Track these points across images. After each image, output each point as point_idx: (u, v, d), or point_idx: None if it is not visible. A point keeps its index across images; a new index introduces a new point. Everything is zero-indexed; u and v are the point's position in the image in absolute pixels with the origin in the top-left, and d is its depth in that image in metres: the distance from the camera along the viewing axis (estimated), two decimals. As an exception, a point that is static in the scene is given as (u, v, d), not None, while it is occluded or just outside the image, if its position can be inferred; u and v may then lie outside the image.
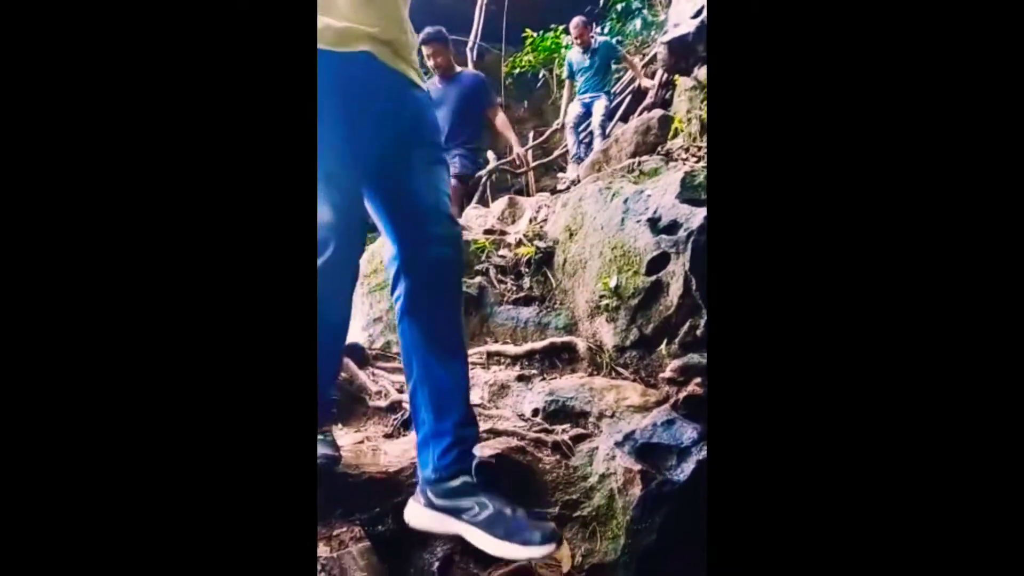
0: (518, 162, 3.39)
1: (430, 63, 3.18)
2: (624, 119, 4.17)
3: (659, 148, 2.62)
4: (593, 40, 3.72)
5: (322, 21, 0.96)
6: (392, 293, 1.09)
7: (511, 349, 1.89)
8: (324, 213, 0.93)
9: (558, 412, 1.53)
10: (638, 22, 4.72)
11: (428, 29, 3.14)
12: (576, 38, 3.69)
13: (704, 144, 2.32)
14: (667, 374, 1.64)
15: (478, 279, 2.14)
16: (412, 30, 1.12)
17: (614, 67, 3.89)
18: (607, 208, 1.94)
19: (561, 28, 4.91)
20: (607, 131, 3.61)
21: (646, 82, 3.93)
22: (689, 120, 2.73)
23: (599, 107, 3.59)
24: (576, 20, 3.73)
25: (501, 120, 3.21)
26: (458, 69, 3.29)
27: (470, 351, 2.11)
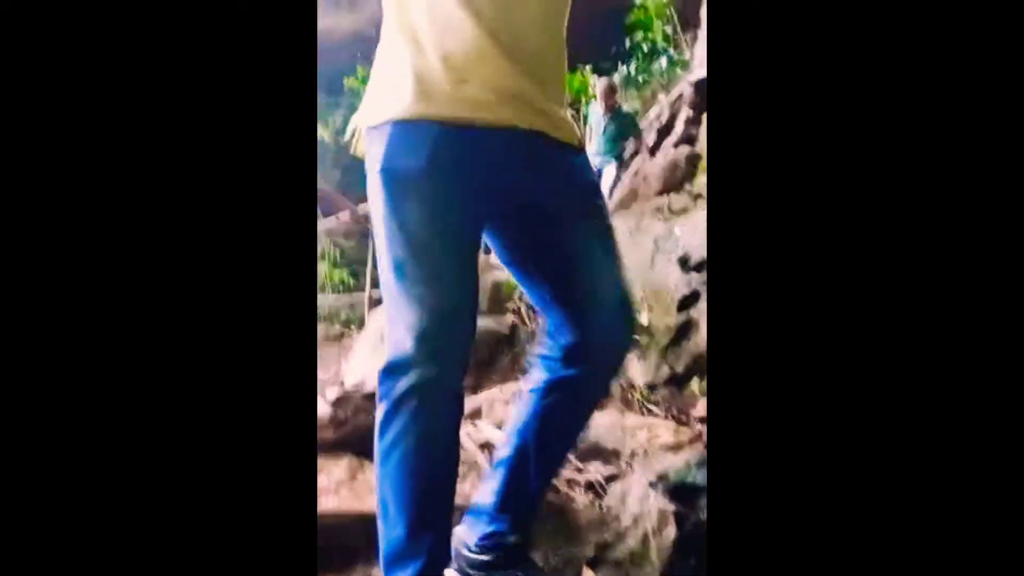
0: None
1: None
2: (652, 153, 4.24)
3: (687, 184, 2.65)
4: (617, 104, 3.80)
5: (440, 89, 0.79)
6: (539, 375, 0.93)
7: (543, 386, 1.92)
8: (421, 318, 0.76)
9: (590, 451, 1.54)
10: (664, 60, 4.82)
11: None
12: (601, 100, 3.78)
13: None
14: (699, 412, 1.63)
15: (510, 318, 2.18)
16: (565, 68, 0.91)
17: (627, 139, 3.94)
18: (637, 247, 1.98)
19: (589, 67, 5.04)
20: (612, 194, 3.65)
21: (648, 160, 3.95)
22: (716, 156, 2.77)
23: (609, 172, 3.66)
24: (603, 84, 3.83)
25: None
26: None
27: (502, 387, 2.14)
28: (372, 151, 0.82)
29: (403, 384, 0.77)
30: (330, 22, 4.83)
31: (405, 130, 0.79)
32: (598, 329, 0.86)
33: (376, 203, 0.82)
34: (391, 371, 0.79)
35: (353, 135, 0.90)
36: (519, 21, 0.81)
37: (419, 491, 0.80)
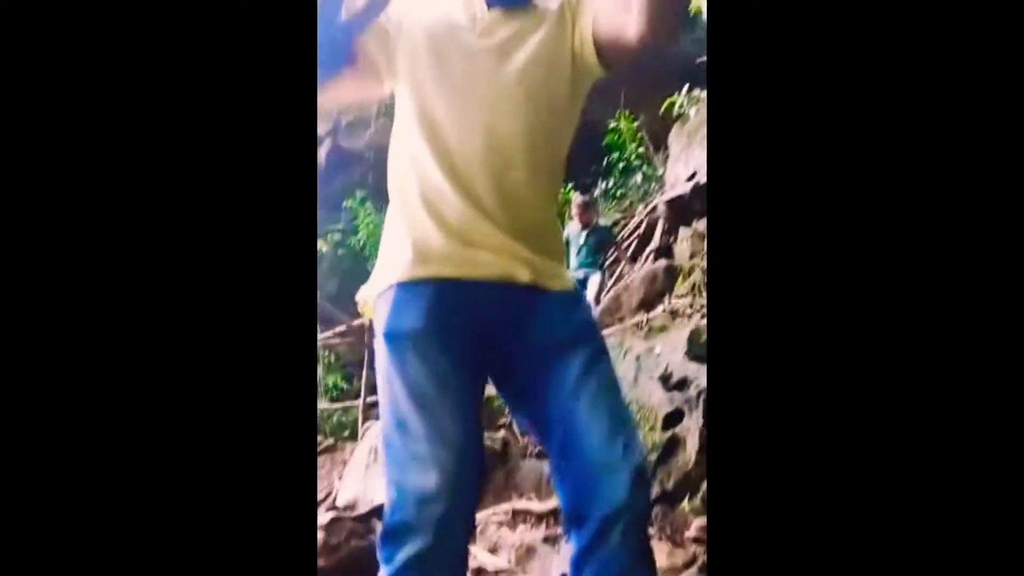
0: None
1: None
2: (632, 260, 4.47)
3: (665, 298, 2.82)
4: (593, 220, 3.96)
5: (437, 250, 0.82)
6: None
7: (536, 506, 1.93)
8: (424, 480, 0.76)
9: (585, 578, 1.54)
10: (639, 176, 5.24)
11: None
12: (577, 217, 3.95)
13: (705, 301, 2.50)
14: (692, 533, 1.66)
15: (502, 433, 2.23)
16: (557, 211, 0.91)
17: (607, 250, 4.09)
18: (621, 365, 2.08)
19: (570, 186, 5.38)
20: (600, 301, 3.76)
21: (629, 270, 4.09)
22: (691, 269, 2.97)
23: (594, 282, 3.76)
24: (579, 201, 4.00)
25: None
26: None
27: (495, 508, 2.12)
28: (378, 317, 0.85)
29: (405, 553, 0.76)
30: (329, 146, 5.24)
31: (405, 292, 0.83)
32: (585, 490, 0.79)
33: (380, 366, 0.84)
34: (392, 536, 0.78)
35: (363, 301, 0.94)
36: (512, 196, 0.84)
37: None
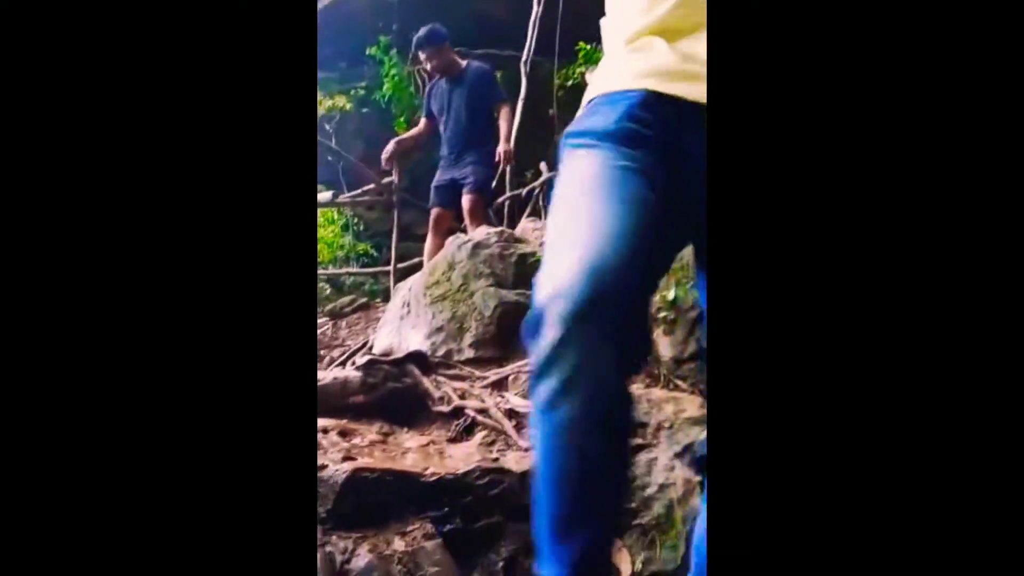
0: (499, 161, 3.00)
1: (428, 67, 3.06)
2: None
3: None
4: None
5: (657, 61, 0.77)
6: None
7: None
8: (559, 264, 0.65)
9: (617, 422, 1.57)
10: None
11: (421, 32, 2.97)
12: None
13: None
14: None
15: (536, 290, 2.19)
16: None
17: None
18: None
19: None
20: None
21: None
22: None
23: None
24: None
25: (503, 114, 2.99)
26: (463, 63, 3.06)
27: (526, 360, 2.15)
28: (572, 126, 0.81)
29: (544, 341, 0.61)
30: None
31: (606, 98, 0.78)
32: None
33: (559, 177, 0.78)
34: (532, 321, 0.63)
35: None
36: None
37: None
